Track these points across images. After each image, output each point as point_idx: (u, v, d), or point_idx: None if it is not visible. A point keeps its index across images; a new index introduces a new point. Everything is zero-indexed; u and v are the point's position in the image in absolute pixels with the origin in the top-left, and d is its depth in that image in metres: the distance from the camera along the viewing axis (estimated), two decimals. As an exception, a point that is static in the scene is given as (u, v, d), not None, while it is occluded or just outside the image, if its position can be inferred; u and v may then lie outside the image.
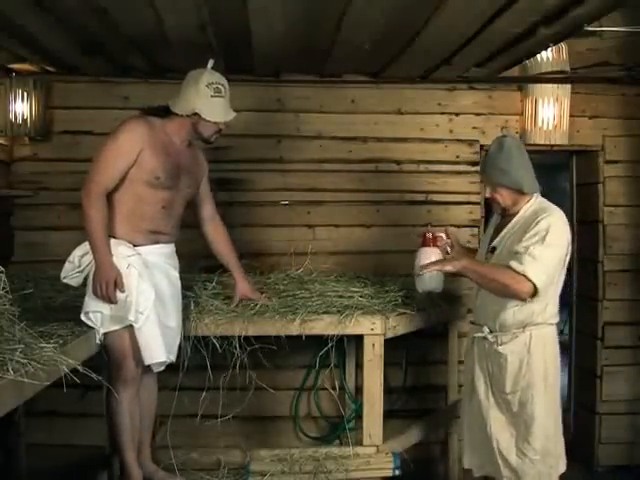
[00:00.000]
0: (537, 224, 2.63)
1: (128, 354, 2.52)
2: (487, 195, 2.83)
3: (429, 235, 2.90)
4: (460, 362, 3.40)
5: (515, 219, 2.76)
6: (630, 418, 4.08)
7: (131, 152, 2.54)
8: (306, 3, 2.67)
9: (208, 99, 2.62)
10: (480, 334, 2.79)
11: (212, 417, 3.29)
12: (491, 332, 2.75)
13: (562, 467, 2.76)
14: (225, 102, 2.68)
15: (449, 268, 2.73)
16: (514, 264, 2.58)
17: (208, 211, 2.93)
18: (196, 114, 2.63)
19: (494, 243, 2.80)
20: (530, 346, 2.68)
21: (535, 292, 2.59)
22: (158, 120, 2.66)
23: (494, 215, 2.99)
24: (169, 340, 2.60)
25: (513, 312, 2.69)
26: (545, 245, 2.58)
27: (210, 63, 2.70)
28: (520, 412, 2.69)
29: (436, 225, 3.13)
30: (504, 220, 2.85)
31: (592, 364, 4.15)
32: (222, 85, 2.67)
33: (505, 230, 2.78)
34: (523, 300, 2.63)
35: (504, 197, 2.76)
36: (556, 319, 2.76)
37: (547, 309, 2.70)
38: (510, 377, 2.70)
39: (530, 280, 2.56)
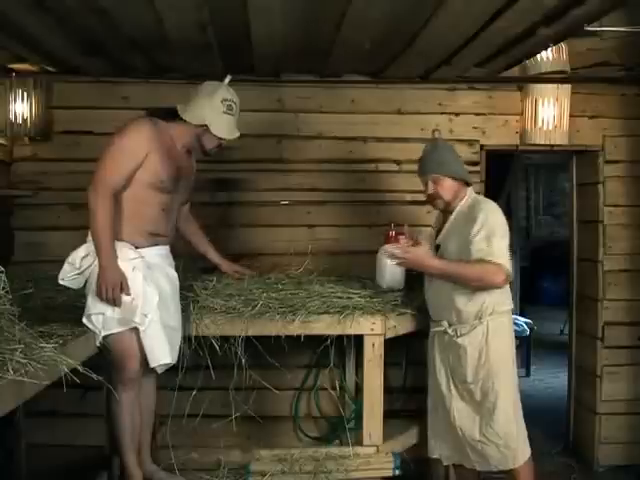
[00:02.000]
0: (479, 216, 2.78)
1: (131, 356, 2.52)
2: (430, 191, 2.93)
3: (392, 234, 3.11)
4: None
5: (453, 215, 2.93)
6: (630, 418, 4.08)
7: (139, 153, 2.54)
8: (306, 3, 2.67)
9: (220, 114, 2.69)
10: (439, 328, 2.93)
11: (212, 417, 3.30)
12: (450, 325, 2.89)
13: (527, 450, 2.89)
14: (234, 120, 2.76)
15: (427, 270, 2.86)
16: (487, 258, 2.72)
17: (186, 210, 3.00)
18: (204, 125, 2.67)
19: (437, 241, 2.95)
20: (488, 336, 2.83)
21: (507, 279, 2.76)
22: (163, 123, 2.67)
23: (436, 217, 3.17)
24: (172, 340, 2.62)
25: (463, 305, 2.83)
26: (499, 235, 2.75)
27: (227, 79, 2.76)
28: (483, 400, 2.83)
29: (398, 224, 3.22)
30: (444, 219, 3.00)
31: (592, 364, 4.15)
32: (235, 103, 2.75)
33: (446, 227, 2.94)
34: (499, 288, 2.79)
35: (446, 189, 2.91)
36: (510, 305, 2.93)
37: (499, 297, 2.85)
38: (471, 367, 2.84)
39: (503, 269, 2.72)
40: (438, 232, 3.02)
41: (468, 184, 2.97)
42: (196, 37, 3.01)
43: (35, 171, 3.81)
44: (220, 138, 2.74)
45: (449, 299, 2.86)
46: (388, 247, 2.94)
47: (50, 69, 3.73)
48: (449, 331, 2.89)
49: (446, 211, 2.99)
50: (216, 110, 2.68)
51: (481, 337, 2.83)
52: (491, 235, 2.74)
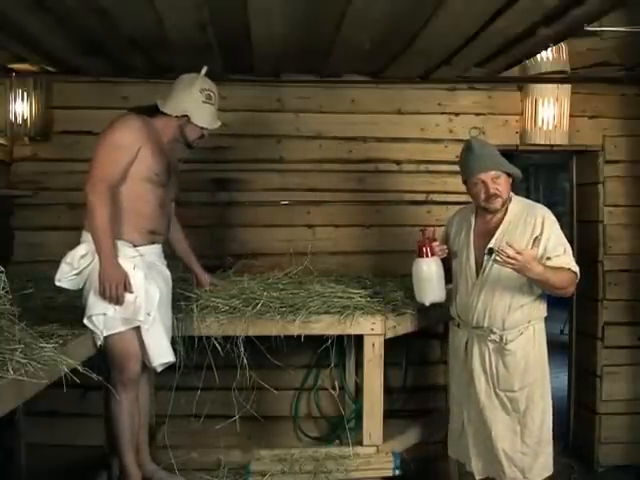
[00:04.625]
0: (544, 221, 2.72)
1: (132, 357, 2.52)
2: (492, 190, 2.75)
3: (426, 248, 2.81)
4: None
5: (507, 218, 2.80)
6: (630, 418, 4.08)
7: (132, 146, 2.54)
8: (306, 3, 2.67)
9: (199, 104, 2.69)
10: (491, 336, 2.77)
11: (212, 417, 3.30)
12: (495, 332, 2.77)
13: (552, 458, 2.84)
14: (214, 110, 2.76)
15: (530, 274, 2.58)
16: (570, 266, 2.69)
17: (172, 212, 2.96)
18: (185, 116, 2.69)
19: (491, 245, 2.77)
20: (534, 341, 2.77)
21: None
22: (148, 118, 2.68)
23: (458, 218, 3.02)
24: (169, 339, 2.63)
25: (521, 310, 2.74)
26: (565, 238, 2.74)
27: (204, 70, 2.75)
28: (527, 408, 2.74)
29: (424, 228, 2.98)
30: (485, 222, 2.85)
31: (592, 364, 4.15)
32: (213, 93, 2.74)
33: (500, 230, 2.79)
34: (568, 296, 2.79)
35: (504, 187, 2.78)
36: (546, 313, 2.86)
37: (543, 305, 2.82)
38: (518, 374, 2.74)
39: (577, 277, 2.72)
40: (481, 235, 2.83)
41: (513, 183, 2.84)
42: (196, 37, 3.01)
43: (35, 171, 3.81)
44: (202, 128, 2.74)
45: (505, 304, 2.73)
46: (503, 247, 2.53)
47: (50, 69, 3.73)
48: (494, 337, 2.76)
49: (488, 215, 2.83)
50: (195, 100, 2.69)
51: (527, 342, 2.75)
52: (563, 243, 2.72)
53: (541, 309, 2.81)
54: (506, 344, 2.74)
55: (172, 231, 2.97)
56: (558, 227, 2.77)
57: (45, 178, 3.80)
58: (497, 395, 2.78)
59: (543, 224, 2.72)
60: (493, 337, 2.77)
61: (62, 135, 3.83)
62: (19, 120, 3.67)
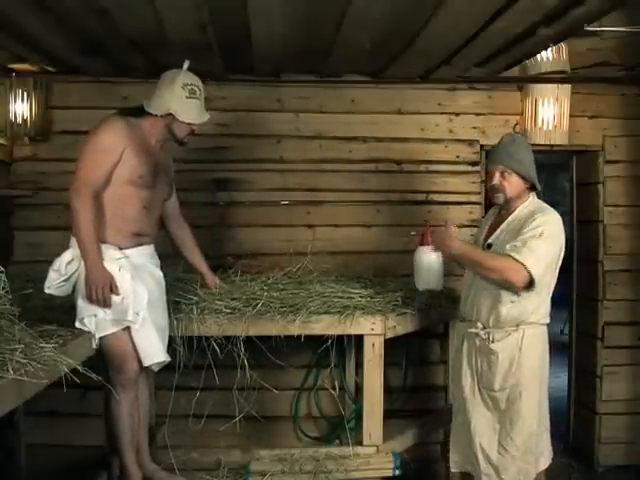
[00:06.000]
0: (533, 221, 2.69)
1: (129, 356, 2.53)
2: (495, 182, 2.79)
3: (426, 237, 2.92)
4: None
5: (512, 216, 2.81)
6: (630, 418, 4.08)
7: (116, 149, 2.53)
8: (306, 3, 2.67)
9: (183, 100, 2.65)
10: (472, 330, 2.80)
11: (212, 417, 3.30)
12: (484, 328, 2.78)
13: (542, 464, 2.81)
14: (200, 104, 2.72)
15: (449, 252, 2.79)
16: (512, 253, 2.62)
17: (174, 209, 2.96)
18: (170, 114, 2.66)
19: (490, 240, 2.83)
20: (522, 345, 2.72)
21: (530, 283, 2.63)
22: (134, 119, 2.66)
23: (488, 214, 3.05)
24: (163, 339, 2.63)
25: (507, 309, 2.72)
26: (542, 239, 2.64)
27: (186, 64, 2.72)
28: (507, 409, 2.73)
29: (435, 225, 3.11)
30: (499, 218, 2.89)
31: (592, 364, 4.15)
32: (197, 87, 2.70)
33: (501, 227, 2.82)
34: (517, 289, 2.67)
35: (512, 186, 2.78)
36: (548, 320, 2.80)
37: (540, 309, 2.75)
38: (500, 374, 2.74)
39: (527, 270, 2.60)
40: (490, 230, 2.88)
41: (534, 188, 2.83)
42: (196, 37, 3.01)
43: (35, 171, 3.81)
44: (189, 124, 2.71)
45: (491, 300, 2.74)
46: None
47: (50, 69, 3.73)
48: (481, 334, 2.77)
49: (503, 211, 2.87)
50: (178, 96, 2.64)
51: (515, 345, 2.71)
52: (532, 237, 2.63)
53: (534, 314, 2.73)
54: (492, 342, 2.75)
55: (179, 231, 2.97)
56: (548, 235, 2.66)
57: (45, 178, 3.80)
58: (480, 391, 2.81)
59: (531, 222, 2.69)
60: (481, 333, 2.78)
61: (62, 135, 3.82)
62: (19, 120, 3.67)
